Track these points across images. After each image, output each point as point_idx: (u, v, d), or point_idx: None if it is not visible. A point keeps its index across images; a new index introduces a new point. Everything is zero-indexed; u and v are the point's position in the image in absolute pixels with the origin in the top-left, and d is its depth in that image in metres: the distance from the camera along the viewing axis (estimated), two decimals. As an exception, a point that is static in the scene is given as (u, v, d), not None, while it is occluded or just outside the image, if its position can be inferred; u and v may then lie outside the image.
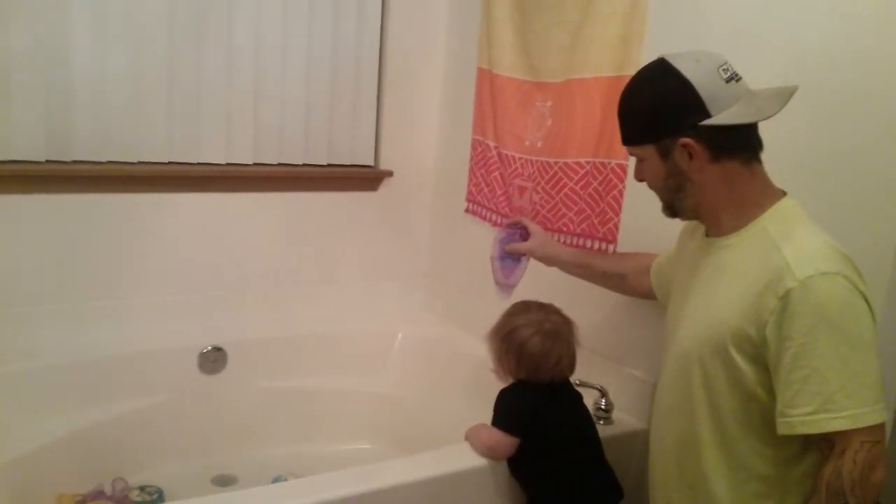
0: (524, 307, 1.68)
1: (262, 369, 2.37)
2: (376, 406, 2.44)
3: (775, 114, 1.21)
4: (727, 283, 1.25)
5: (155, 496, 2.07)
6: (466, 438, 1.67)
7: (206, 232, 2.35)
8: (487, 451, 1.61)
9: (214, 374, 2.31)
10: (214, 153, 2.30)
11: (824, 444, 1.15)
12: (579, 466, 1.59)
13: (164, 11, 2.14)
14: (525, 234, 1.85)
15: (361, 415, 2.42)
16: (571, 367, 1.64)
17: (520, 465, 1.61)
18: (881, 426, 1.12)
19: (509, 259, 1.84)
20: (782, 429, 1.15)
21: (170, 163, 2.25)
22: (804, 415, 1.12)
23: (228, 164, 2.33)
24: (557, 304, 1.70)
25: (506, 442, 1.58)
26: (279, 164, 2.43)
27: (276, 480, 2.10)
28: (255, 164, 2.38)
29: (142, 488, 2.08)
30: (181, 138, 2.25)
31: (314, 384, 2.42)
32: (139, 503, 2.03)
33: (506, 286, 1.86)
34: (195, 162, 2.28)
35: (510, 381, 1.65)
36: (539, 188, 2.18)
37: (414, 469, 1.58)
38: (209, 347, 2.30)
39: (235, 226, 2.39)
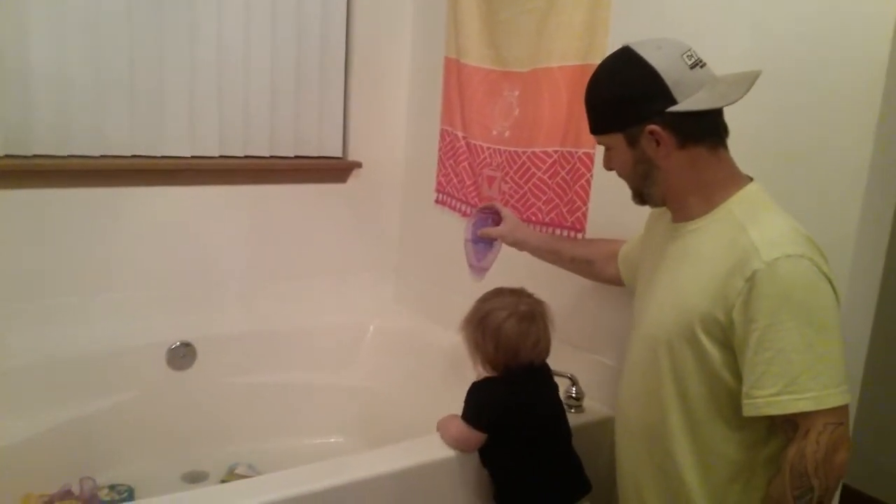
0: (496, 292, 1.67)
1: (231, 364, 2.35)
2: (348, 399, 2.43)
3: (740, 98, 1.22)
4: (694, 267, 1.26)
5: (125, 494, 2.04)
6: (437, 429, 1.67)
7: (172, 226, 2.31)
8: (455, 444, 1.61)
9: (183, 369, 2.28)
10: (179, 146, 2.27)
11: (788, 426, 1.16)
12: (547, 460, 1.59)
13: (123, 1, 2.10)
14: (497, 219, 1.85)
15: (333, 408, 2.41)
16: (548, 349, 1.63)
17: (488, 457, 1.62)
18: (844, 408, 1.14)
19: (482, 243, 1.85)
20: (748, 410, 1.17)
21: (133, 156, 2.21)
22: (769, 396, 1.13)
23: (193, 157, 2.29)
24: (526, 287, 1.70)
25: (473, 437, 1.58)
26: (245, 157, 2.40)
27: (232, 467, 2.12)
28: (221, 157, 2.34)
29: (111, 487, 2.05)
30: (144, 131, 2.21)
31: (285, 379, 2.40)
32: (108, 502, 2.00)
33: (479, 269, 1.86)
34: (159, 155, 2.25)
35: (488, 370, 1.63)
36: (507, 178, 2.18)
37: (385, 461, 1.57)
38: (177, 343, 2.27)
39: (202, 220, 2.36)
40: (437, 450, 1.62)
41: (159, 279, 2.32)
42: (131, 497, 2.04)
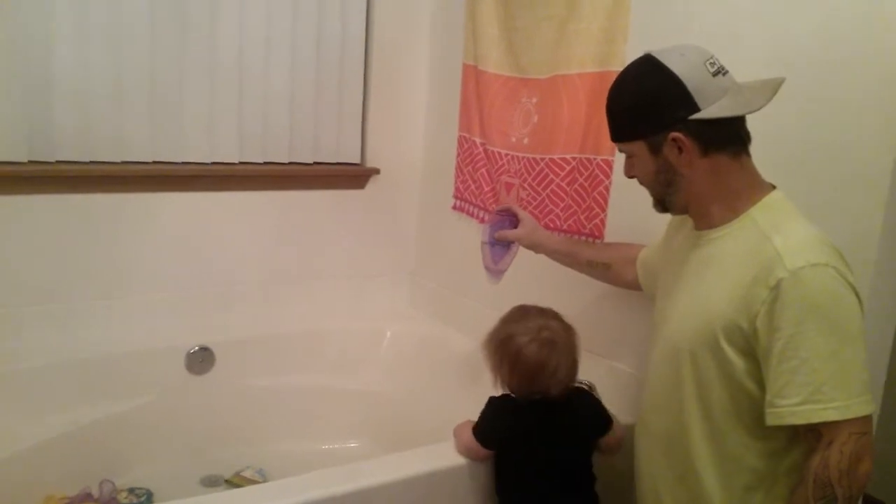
0: (522, 313, 1.60)
1: (249, 368, 2.36)
2: (365, 404, 2.43)
3: (763, 106, 1.22)
4: (717, 275, 1.26)
5: (143, 498, 2.05)
6: (454, 435, 1.67)
7: (192, 232, 2.33)
8: (465, 453, 1.61)
9: (202, 374, 2.29)
10: (199, 152, 2.29)
11: (812, 436, 1.15)
12: (549, 492, 1.55)
13: (145, 8, 2.12)
14: (515, 222, 1.85)
15: (350, 413, 2.41)
16: (571, 377, 1.55)
17: (495, 475, 1.61)
18: (868, 418, 1.13)
19: (499, 245, 1.85)
20: (771, 419, 1.16)
21: (154, 162, 2.23)
22: (793, 405, 1.12)
23: (213, 164, 2.31)
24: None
25: (479, 451, 1.58)
26: (265, 163, 2.41)
27: (239, 469, 2.16)
28: (241, 164, 2.36)
29: (130, 490, 2.06)
30: (165, 137, 2.23)
31: (302, 383, 2.41)
32: (127, 505, 2.02)
33: (495, 272, 1.87)
34: (180, 161, 2.27)
35: (505, 390, 1.59)
36: (526, 184, 2.18)
37: (402, 467, 1.57)
38: (196, 347, 2.28)
39: (221, 225, 2.38)
40: (453, 456, 1.62)
41: (179, 284, 2.34)
42: (150, 500, 2.05)
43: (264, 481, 2.13)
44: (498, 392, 1.63)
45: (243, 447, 2.29)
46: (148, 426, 2.16)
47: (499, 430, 1.57)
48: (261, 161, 2.40)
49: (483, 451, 1.58)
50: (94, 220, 2.18)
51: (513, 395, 1.58)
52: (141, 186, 2.22)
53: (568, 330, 1.55)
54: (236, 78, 2.30)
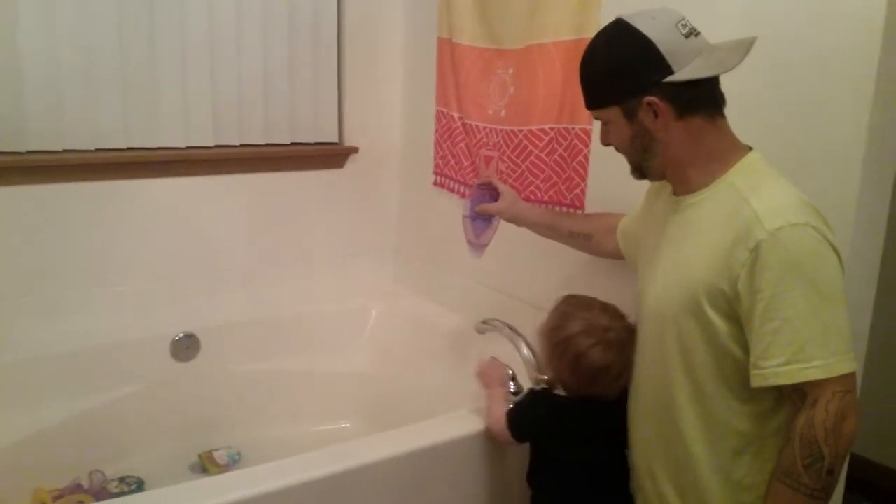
0: (585, 305, 1.51)
1: (235, 354, 2.35)
2: (354, 384, 2.43)
3: (737, 65, 1.21)
4: (697, 239, 1.25)
5: (134, 486, 2.05)
6: (480, 381, 1.70)
7: (170, 218, 2.30)
8: (489, 431, 1.61)
9: (188, 360, 2.28)
10: (173, 137, 2.26)
11: (797, 396, 1.15)
12: (584, 491, 1.51)
13: (112, -10, 2.08)
14: (495, 195, 1.84)
15: (339, 394, 2.41)
16: (630, 379, 1.45)
17: (530, 461, 1.59)
18: (852, 375, 1.13)
19: (480, 219, 1.84)
20: (756, 381, 1.16)
21: (128, 149, 2.20)
22: (777, 366, 1.12)
23: (188, 148, 2.28)
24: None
25: (505, 437, 1.57)
26: (241, 146, 2.38)
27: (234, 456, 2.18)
28: (216, 147, 2.33)
29: (121, 479, 2.06)
30: (138, 123, 2.20)
31: (290, 366, 2.40)
32: (118, 494, 2.01)
33: (477, 245, 1.86)
34: (154, 147, 2.23)
35: (559, 389, 1.54)
36: (505, 157, 2.16)
37: (393, 444, 1.58)
38: (181, 335, 2.27)
39: (199, 210, 2.35)
40: (448, 430, 1.63)
41: (160, 271, 2.31)
42: (141, 489, 2.04)
43: (233, 464, 2.17)
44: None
45: (232, 433, 2.28)
46: (136, 415, 2.15)
47: (536, 426, 1.55)
48: (237, 143, 2.37)
49: (506, 439, 1.57)
50: (70, 211, 2.15)
51: (563, 391, 1.53)
52: (116, 174, 2.19)
53: (630, 331, 1.45)
54: (208, 59, 2.26)
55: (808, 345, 1.11)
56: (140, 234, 2.26)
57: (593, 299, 1.53)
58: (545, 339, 1.52)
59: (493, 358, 1.80)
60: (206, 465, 2.17)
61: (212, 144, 2.32)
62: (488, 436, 1.63)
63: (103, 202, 2.19)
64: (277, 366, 2.39)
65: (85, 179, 2.15)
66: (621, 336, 1.44)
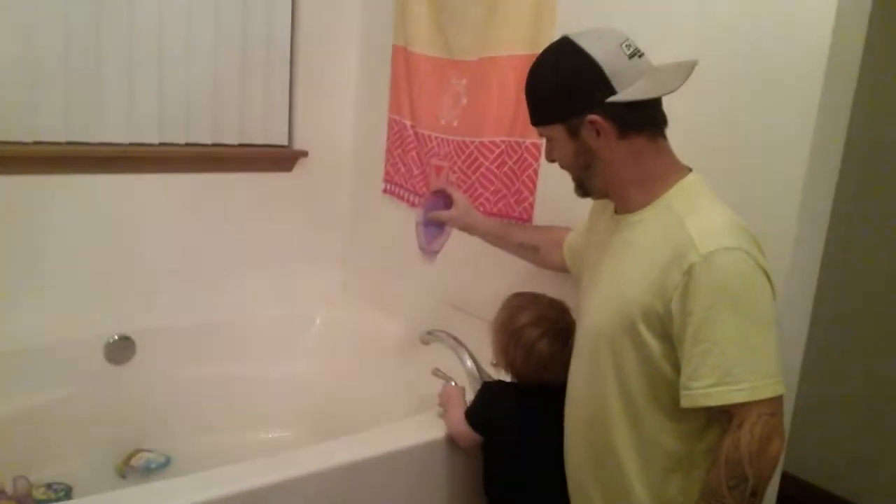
0: (534, 299, 1.62)
1: (172, 358, 2.29)
2: (295, 392, 2.40)
3: (678, 87, 1.22)
4: (634, 259, 1.26)
5: (62, 493, 1.98)
6: (440, 404, 1.69)
7: (110, 216, 2.24)
8: (452, 435, 1.63)
9: (122, 363, 2.22)
10: (116, 132, 2.19)
11: (724, 417, 1.17)
12: (545, 484, 1.55)
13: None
14: (449, 203, 1.84)
15: (279, 401, 2.37)
16: None
17: (485, 462, 1.62)
18: (779, 399, 1.14)
19: (433, 226, 1.85)
20: (685, 401, 1.17)
21: (68, 143, 2.13)
22: (705, 387, 1.13)
23: (131, 144, 2.22)
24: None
25: (469, 436, 1.59)
26: (187, 144, 2.33)
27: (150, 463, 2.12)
28: (161, 144, 2.27)
29: (48, 486, 1.99)
30: (80, 116, 2.13)
31: (229, 372, 2.35)
32: (43, 501, 1.94)
33: (429, 252, 1.87)
34: (95, 142, 2.17)
35: (510, 376, 1.61)
36: (455, 168, 2.16)
37: (330, 455, 1.55)
38: (116, 337, 2.21)
39: (141, 209, 2.29)
40: (387, 442, 1.61)
41: (97, 271, 2.24)
42: (69, 496, 1.98)
43: (155, 470, 2.13)
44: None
45: (166, 438, 2.23)
46: (66, 419, 2.08)
47: (497, 415, 1.58)
48: (183, 142, 2.32)
49: (470, 437, 1.59)
50: (3, 205, 2.07)
51: (516, 381, 1.60)
52: (54, 168, 2.12)
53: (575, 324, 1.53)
54: (156, 54, 2.21)
55: (736, 367, 1.12)
56: (77, 232, 2.19)
57: (541, 294, 1.63)
58: (500, 331, 1.60)
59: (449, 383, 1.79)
60: (120, 469, 2.13)
61: (156, 142, 2.26)
62: (452, 441, 1.63)
63: (39, 197, 2.12)
64: (216, 371, 2.34)
65: (21, 173, 2.07)
66: (569, 327, 1.53)
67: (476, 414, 1.61)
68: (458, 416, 1.62)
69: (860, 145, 1.92)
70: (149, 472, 2.14)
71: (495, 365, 1.69)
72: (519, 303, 1.62)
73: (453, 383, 1.75)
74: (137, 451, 2.18)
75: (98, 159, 2.18)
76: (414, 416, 1.76)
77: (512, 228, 1.88)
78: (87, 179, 2.18)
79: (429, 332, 1.96)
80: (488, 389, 1.65)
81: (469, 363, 1.82)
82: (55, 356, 2.11)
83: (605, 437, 1.31)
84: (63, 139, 2.12)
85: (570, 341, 1.48)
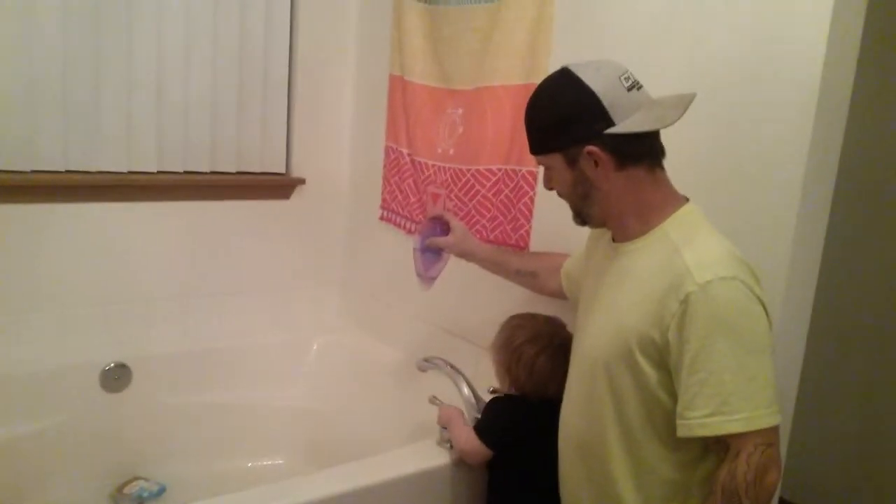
0: (531, 317, 1.68)
1: (169, 385, 2.28)
2: (291, 419, 2.39)
3: (676, 120, 1.24)
4: (632, 288, 1.27)
5: (54, 522, 1.97)
6: (444, 426, 1.69)
7: (108, 244, 2.24)
8: (461, 454, 1.63)
9: (118, 391, 2.21)
10: (115, 161, 2.20)
11: (720, 447, 1.17)
12: (552, 491, 1.54)
13: (58, 9, 2.03)
14: (447, 229, 1.86)
15: (275, 429, 2.36)
16: None
17: (494, 479, 1.63)
18: (775, 429, 1.15)
19: (430, 252, 1.85)
20: (681, 431, 1.17)
21: (67, 171, 2.14)
22: (701, 417, 1.14)
23: (130, 173, 2.23)
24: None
25: (481, 451, 1.60)
26: (185, 172, 2.34)
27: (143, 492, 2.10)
28: (159, 173, 2.28)
29: (40, 514, 1.98)
30: (79, 145, 2.14)
31: (225, 399, 2.35)
32: (36, 530, 1.93)
33: (427, 279, 1.87)
34: (94, 170, 2.18)
35: (511, 391, 1.65)
36: (452, 195, 2.17)
37: (328, 484, 1.54)
38: (112, 364, 2.20)
39: (139, 237, 2.30)
40: (382, 471, 1.59)
41: (94, 298, 2.24)
42: (62, 524, 1.96)
43: (148, 499, 2.12)
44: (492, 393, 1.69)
45: (161, 466, 2.21)
46: (60, 447, 2.07)
47: (508, 428, 1.61)
48: (181, 170, 2.33)
49: (482, 453, 1.60)
50: (3, 233, 2.07)
51: (521, 396, 1.63)
52: (53, 196, 2.13)
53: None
54: (155, 84, 2.23)
55: (732, 397, 1.12)
56: (76, 259, 2.20)
57: (537, 313, 1.70)
58: (500, 352, 1.66)
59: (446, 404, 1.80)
60: (113, 497, 2.12)
61: (155, 170, 2.27)
62: (460, 455, 1.64)
63: (39, 225, 2.12)
64: (212, 398, 2.33)
65: (19, 201, 2.08)
66: (566, 342, 1.57)
67: (488, 429, 1.62)
68: (466, 433, 1.63)
69: (853, 176, 1.95)
70: (142, 500, 2.12)
71: (493, 392, 1.71)
72: (516, 323, 1.68)
73: None
74: (133, 478, 2.17)
75: (96, 188, 2.19)
76: (411, 443, 1.75)
77: (509, 255, 1.89)
78: (85, 208, 2.19)
79: (426, 360, 1.96)
80: (497, 403, 1.67)
81: (466, 391, 1.82)
82: (51, 383, 2.10)
83: (602, 464, 1.31)
84: (62, 168, 2.13)
85: (570, 355, 1.51)
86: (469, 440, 1.61)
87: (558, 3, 1.84)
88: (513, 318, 1.70)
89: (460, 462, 1.66)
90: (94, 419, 2.15)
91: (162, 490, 2.17)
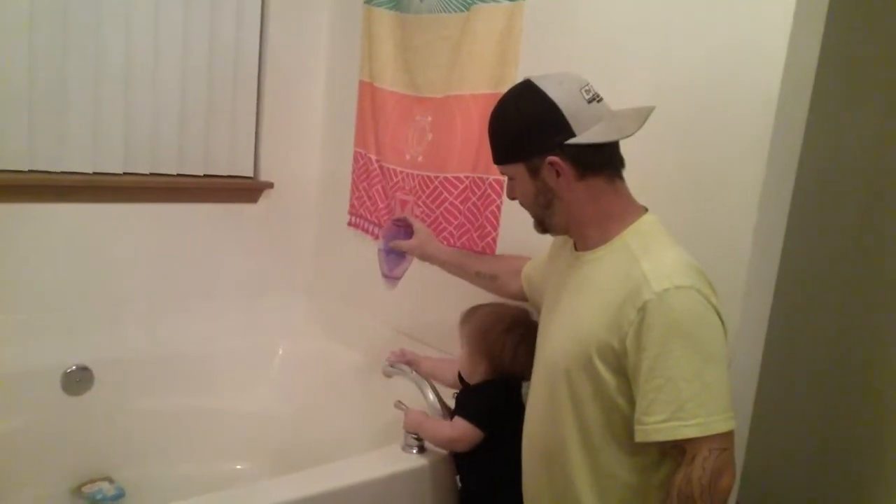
0: (504, 307, 1.73)
1: (131, 389, 2.26)
2: (253, 424, 2.37)
3: (635, 132, 1.27)
4: (591, 296, 1.30)
5: (11, 526, 1.94)
6: (410, 431, 1.70)
7: (71, 245, 2.22)
8: (449, 444, 1.65)
9: (79, 394, 2.18)
10: (80, 161, 2.18)
11: (677, 452, 1.20)
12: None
13: (24, 4, 2.01)
14: (410, 232, 1.89)
15: (237, 434, 2.35)
16: None
17: (472, 456, 1.65)
18: (730, 434, 1.18)
19: (393, 253, 1.89)
20: (639, 436, 1.20)
21: (30, 171, 2.11)
22: (657, 422, 1.17)
23: (95, 174, 2.21)
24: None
25: (473, 434, 1.62)
26: (151, 174, 2.32)
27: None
28: (126, 174, 2.27)
29: (-3, 518, 1.95)
30: (43, 145, 2.12)
31: (188, 404, 2.32)
32: (-8, 535, 1.90)
33: (391, 279, 1.92)
34: (59, 171, 2.15)
35: (487, 375, 1.69)
36: (420, 202, 2.19)
37: (291, 488, 1.53)
38: (74, 367, 2.17)
39: (103, 239, 2.27)
40: (347, 475, 1.59)
41: (56, 300, 2.21)
42: (19, 530, 1.93)
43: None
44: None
45: (121, 470, 2.19)
46: (18, 451, 2.04)
47: (499, 407, 1.64)
48: (147, 172, 2.31)
49: (474, 436, 1.62)
50: (-38, 232, 2.04)
51: (502, 379, 1.68)
52: (16, 196, 2.10)
53: None
54: (122, 84, 2.21)
55: (688, 403, 1.15)
56: (38, 260, 2.17)
57: (504, 302, 1.77)
58: (482, 339, 1.68)
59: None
60: (73, 491, 2.10)
61: (121, 171, 2.26)
62: (445, 448, 1.67)
63: (0, 225, 2.09)
64: (175, 403, 2.31)
65: (-20, 201, 2.06)
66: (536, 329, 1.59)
67: (479, 411, 1.64)
68: (448, 424, 1.66)
69: (812, 185, 1.99)
70: (95, 502, 2.10)
71: (456, 396, 1.72)
72: (490, 310, 1.72)
73: None
74: (103, 478, 2.15)
75: (61, 188, 2.17)
76: (377, 448, 1.76)
77: (470, 258, 1.91)
78: (49, 208, 2.16)
79: (391, 365, 1.97)
80: (480, 388, 1.70)
81: (431, 396, 1.82)
82: (10, 385, 2.05)
83: (563, 469, 1.34)
84: (26, 167, 2.10)
85: None
86: (456, 427, 1.64)
87: (527, 14, 1.87)
88: (482, 306, 1.74)
89: (426, 466, 1.67)
90: (54, 422, 2.12)
91: (119, 495, 2.14)
